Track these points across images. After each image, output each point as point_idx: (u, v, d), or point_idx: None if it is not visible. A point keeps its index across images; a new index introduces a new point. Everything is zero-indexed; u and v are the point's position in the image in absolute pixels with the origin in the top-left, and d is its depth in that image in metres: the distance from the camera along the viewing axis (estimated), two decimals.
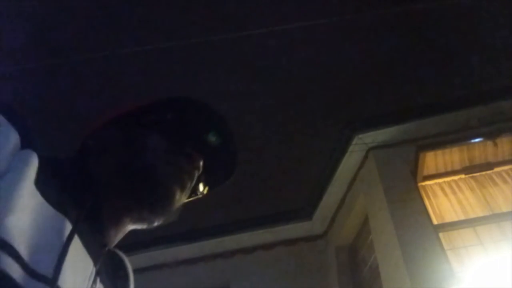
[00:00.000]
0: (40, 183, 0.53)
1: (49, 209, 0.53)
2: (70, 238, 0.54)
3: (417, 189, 4.22)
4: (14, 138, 0.54)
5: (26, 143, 0.55)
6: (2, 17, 3.86)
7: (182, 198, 0.77)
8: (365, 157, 4.82)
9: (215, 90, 4.72)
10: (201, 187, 0.85)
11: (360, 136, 4.72)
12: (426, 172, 4.32)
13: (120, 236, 0.74)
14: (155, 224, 0.76)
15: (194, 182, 0.79)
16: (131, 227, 0.75)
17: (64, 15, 4.05)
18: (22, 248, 0.47)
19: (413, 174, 4.29)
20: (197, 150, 0.79)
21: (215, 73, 4.72)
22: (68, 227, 0.55)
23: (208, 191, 0.88)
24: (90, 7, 4.07)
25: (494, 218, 3.83)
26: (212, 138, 0.85)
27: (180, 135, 0.78)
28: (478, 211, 3.98)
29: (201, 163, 0.79)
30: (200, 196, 0.87)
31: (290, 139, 5.22)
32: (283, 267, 5.55)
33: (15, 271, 0.45)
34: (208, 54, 4.54)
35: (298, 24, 4.23)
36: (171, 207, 0.74)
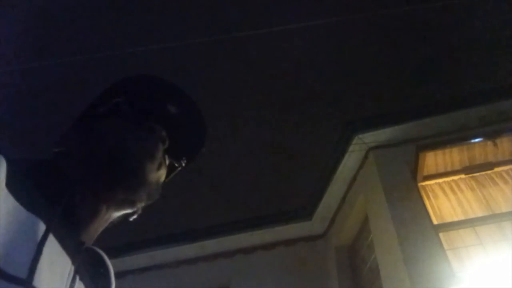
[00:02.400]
0: (12, 186, 0.53)
1: (22, 211, 0.53)
2: (44, 238, 0.54)
3: (417, 189, 4.22)
4: None
5: None
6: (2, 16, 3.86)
7: (155, 172, 0.75)
8: (365, 157, 4.82)
9: (214, 90, 4.72)
10: (177, 159, 0.84)
11: (360, 136, 4.72)
12: (426, 172, 4.32)
13: (98, 230, 0.73)
14: (137, 205, 0.74)
15: (160, 152, 0.77)
16: (113, 215, 0.74)
17: (64, 15, 4.05)
18: None
19: (413, 174, 4.29)
20: (160, 124, 0.79)
21: (215, 74, 4.72)
22: (42, 227, 0.55)
23: (186, 162, 0.87)
24: (91, 7, 4.07)
25: (494, 218, 3.83)
26: (170, 108, 0.84)
27: (137, 113, 0.79)
28: (478, 211, 3.97)
29: (163, 133, 0.79)
30: (179, 168, 0.86)
31: (290, 139, 5.22)
32: (283, 267, 5.55)
33: None
34: (207, 55, 4.54)
35: (298, 24, 4.23)
36: (144, 181, 0.72)
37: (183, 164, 0.86)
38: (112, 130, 0.75)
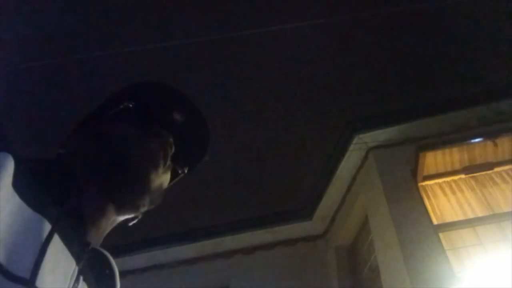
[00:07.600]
0: (18, 185, 0.53)
1: (28, 211, 0.53)
2: (48, 238, 0.54)
3: (417, 189, 4.22)
4: None
5: (1, 146, 0.55)
6: (3, 15, 3.86)
7: (160, 177, 0.77)
8: (365, 157, 4.82)
9: (214, 90, 4.72)
10: (180, 166, 0.86)
11: (360, 136, 4.73)
12: (426, 172, 4.32)
13: (105, 231, 0.74)
14: (141, 209, 0.76)
15: (168, 158, 0.79)
16: (117, 218, 0.76)
17: (62, 15, 4.05)
18: None
19: (413, 174, 4.29)
20: (166, 130, 0.81)
21: (215, 73, 4.72)
22: (47, 227, 0.55)
23: (188, 169, 0.89)
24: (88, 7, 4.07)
25: (494, 218, 3.83)
26: (177, 116, 0.86)
27: (144, 118, 0.80)
28: (478, 211, 3.97)
29: (170, 139, 0.80)
30: (182, 175, 0.88)
31: (290, 139, 5.22)
32: (283, 267, 5.55)
33: None
34: (207, 54, 4.54)
35: (298, 23, 4.23)
36: (148, 187, 0.74)
37: (186, 171, 0.88)
38: (119, 134, 0.76)
